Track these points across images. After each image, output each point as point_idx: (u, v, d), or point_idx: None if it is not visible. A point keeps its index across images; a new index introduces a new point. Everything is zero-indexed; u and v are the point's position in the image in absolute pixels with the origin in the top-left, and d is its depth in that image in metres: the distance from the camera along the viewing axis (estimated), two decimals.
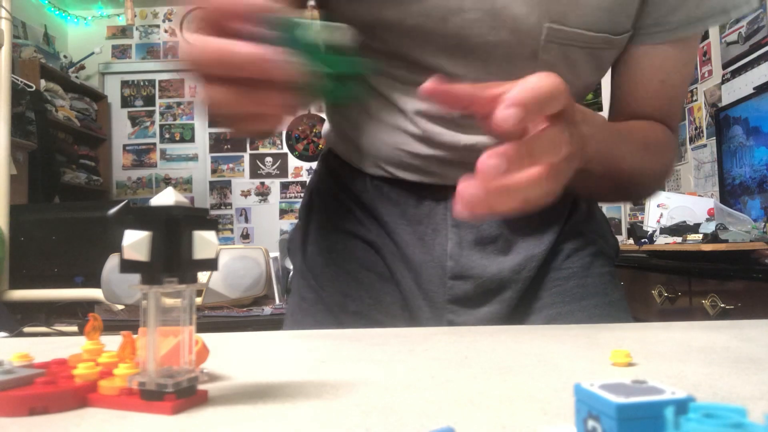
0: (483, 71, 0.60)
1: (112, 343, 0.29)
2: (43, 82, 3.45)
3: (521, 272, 0.64)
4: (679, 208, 2.23)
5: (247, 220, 4.41)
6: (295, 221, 0.86)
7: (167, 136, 4.61)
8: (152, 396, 0.21)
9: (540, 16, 0.55)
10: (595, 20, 0.57)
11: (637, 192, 0.63)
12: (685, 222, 2.11)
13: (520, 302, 0.64)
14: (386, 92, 0.63)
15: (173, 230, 0.22)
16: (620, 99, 0.63)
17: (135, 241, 0.22)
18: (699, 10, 0.56)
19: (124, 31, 4.48)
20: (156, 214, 0.22)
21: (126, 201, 2.18)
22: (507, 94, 0.34)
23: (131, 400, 0.22)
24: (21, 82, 3.06)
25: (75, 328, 2.17)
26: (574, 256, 0.64)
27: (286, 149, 4.39)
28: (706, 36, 2.69)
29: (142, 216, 0.23)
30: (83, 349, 0.24)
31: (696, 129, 2.81)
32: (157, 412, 0.21)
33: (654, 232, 2.20)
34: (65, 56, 4.11)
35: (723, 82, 2.53)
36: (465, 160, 0.60)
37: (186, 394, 0.22)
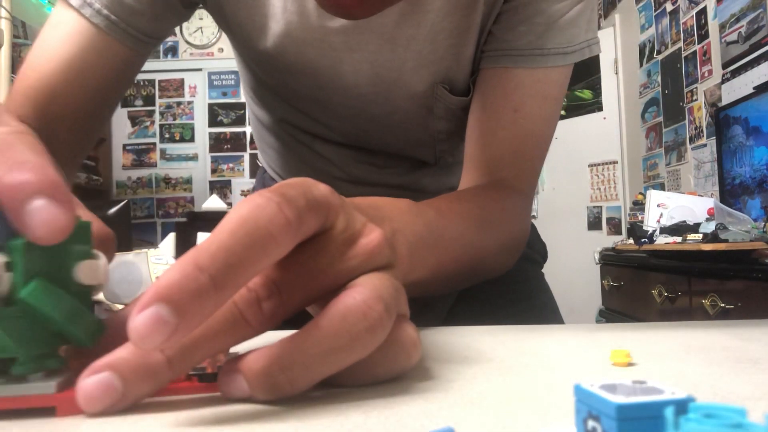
0: (385, 130, 0.65)
1: None
2: None
3: None
4: (679, 208, 2.23)
5: None
6: None
7: (167, 135, 4.61)
8: (208, 378, 0.23)
9: (430, 79, 0.58)
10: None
11: (485, 272, 0.51)
12: (685, 222, 2.11)
13: (449, 315, 0.65)
14: (307, 142, 0.69)
15: None
16: (473, 136, 0.57)
17: None
18: (542, 40, 0.54)
19: None
20: (222, 217, 0.23)
21: (126, 201, 2.18)
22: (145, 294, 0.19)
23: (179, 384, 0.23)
24: None
25: None
26: None
27: None
28: (706, 36, 2.69)
29: (214, 219, 0.24)
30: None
31: (696, 129, 2.81)
32: (209, 391, 0.23)
33: (654, 231, 2.20)
34: None
35: (723, 81, 2.53)
36: (398, 196, 0.63)
37: (211, 380, 0.23)
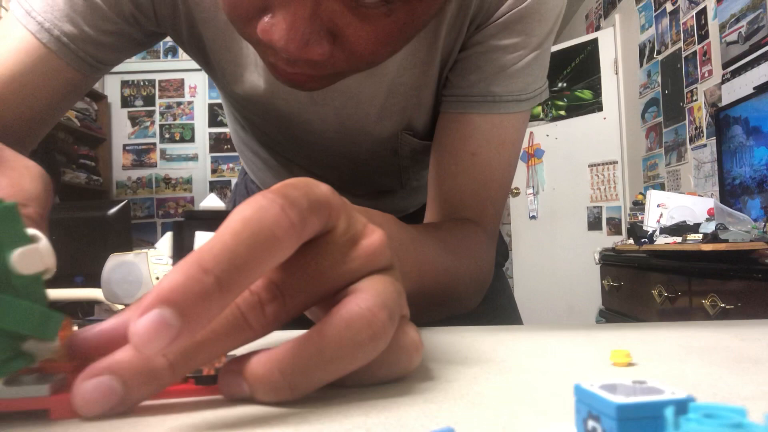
0: (354, 166, 0.69)
1: None
2: None
3: None
4: (679, 208, 2.23)
5: None
6: None
7: (167, 136, 4.61)
8: (205, 381, 0.23)
9: (393, 127, 0.62)
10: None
11: (456, 301, 0.50)
12: (685, 222, 2.11)
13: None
14: (284, 163, 0.73)
15: None
16: (434, 178, 0.58)
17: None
18: (492, 88, 0.54)
19: None
20: (221, 216, 0.23)
21: (126, 201, 2.18)
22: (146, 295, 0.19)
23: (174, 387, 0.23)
24: None
25: (75, 328, 2.16)
26: None
27: None
28: (706, 36, 2.69)
29: (212, 218, 0.24)
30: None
31: (696, 129, 2.81)
32: (205, 394, 0.23)
33: (654, 231, 2.20)
34: None
35: (723, 81, 2.53)
36: None
37: (208, 382, 0.23)
